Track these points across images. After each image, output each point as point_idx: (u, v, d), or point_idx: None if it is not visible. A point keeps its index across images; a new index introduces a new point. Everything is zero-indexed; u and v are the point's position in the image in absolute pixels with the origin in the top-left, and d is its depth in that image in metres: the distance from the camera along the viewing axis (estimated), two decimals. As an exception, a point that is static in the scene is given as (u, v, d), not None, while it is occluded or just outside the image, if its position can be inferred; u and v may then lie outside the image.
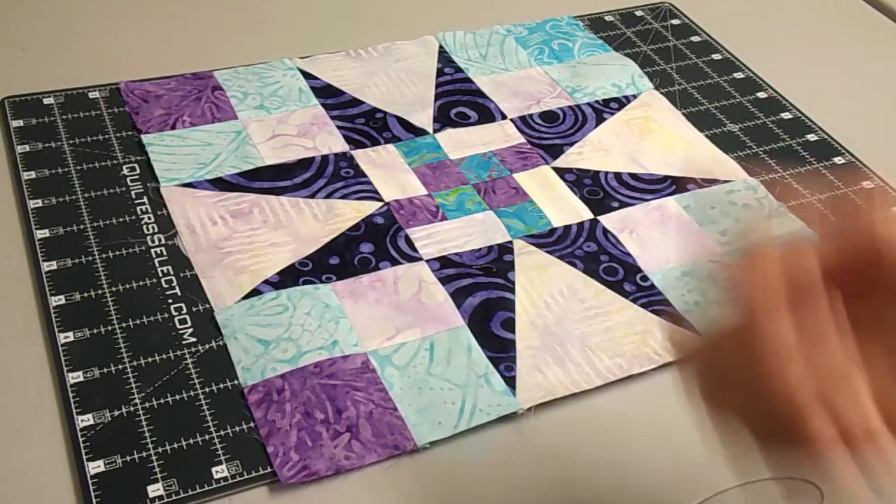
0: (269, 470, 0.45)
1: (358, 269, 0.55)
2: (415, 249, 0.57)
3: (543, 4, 0.80)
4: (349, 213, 0.59)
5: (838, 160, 0.68)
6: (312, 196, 0.60)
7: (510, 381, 0.50)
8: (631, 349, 0.52)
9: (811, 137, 0.70)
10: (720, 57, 0.77)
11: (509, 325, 0.53)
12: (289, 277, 0.54)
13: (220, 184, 0.60)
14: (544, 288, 0.55)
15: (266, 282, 0.54)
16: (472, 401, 0.49)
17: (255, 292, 0.53)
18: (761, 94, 0.73)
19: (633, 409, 0.50)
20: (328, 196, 0.60)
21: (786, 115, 0.71)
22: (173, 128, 0.63)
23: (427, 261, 0.56)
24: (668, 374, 0.52)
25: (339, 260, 0.56)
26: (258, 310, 0.52)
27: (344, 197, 0.60)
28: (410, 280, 0.55)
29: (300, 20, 0.76)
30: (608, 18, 0.80)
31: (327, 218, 0.58)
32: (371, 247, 0.57)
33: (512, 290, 0.55)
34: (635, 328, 0.53)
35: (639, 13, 0.81)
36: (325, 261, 0.55)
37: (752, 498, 0.46)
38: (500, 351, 0.51)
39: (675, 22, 0.81)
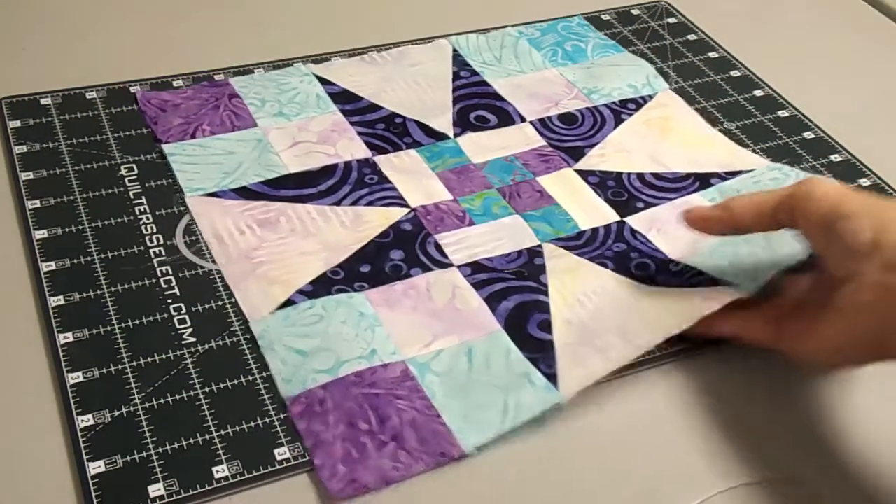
0: (269, 470, 0.45)
1: (390, 277, 0.54)
2: (445, 255, 0.56)
3: (543, 4, 0.80)
4: (377, 219, 0.58)
5: (835, 158, 0.68)
6: (338, 203, 0.59)
7: (551, 378, 0.49)
8: (670, 323, 0.51)
9: (808, 135, 0.70)
10: (717, 55, 0.77)
11: (545, 326, 0.52)
12: (322, 286, 0.53)
13: (245, 193, 0.59)
14: (577, 288, 0.54)
15: (299, 291, 0.53)
16: (514, 400, 0.48)
17: (289, 302, 0.52)
18: (758, 92, 0.74)
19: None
20: (354, 203, 0.59)
21: (783, 113, 0.72)
22: (193, 137, 0.63)
23: (458, 266, 0.55)
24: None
25: (370, 268, 0.55)
26: (294, 320, 0.51)
27: (370, 203, 0.59)
28: (443, 286, 0.54)
29: (301, 21, 0.76)
30: (605, 17, 0.80)
31: (355, 225, 0.57)
32: (401, 253, 0.56)
33: (545, 293, 0.54)
34: (672, 308, 0.52)
35: (635, 12, 0.81)
36: (356, 269, 0.55)
37: (751, 498, 0.47)
38: (539, 351, 0.51)
39: (672, 20, 0.81)
